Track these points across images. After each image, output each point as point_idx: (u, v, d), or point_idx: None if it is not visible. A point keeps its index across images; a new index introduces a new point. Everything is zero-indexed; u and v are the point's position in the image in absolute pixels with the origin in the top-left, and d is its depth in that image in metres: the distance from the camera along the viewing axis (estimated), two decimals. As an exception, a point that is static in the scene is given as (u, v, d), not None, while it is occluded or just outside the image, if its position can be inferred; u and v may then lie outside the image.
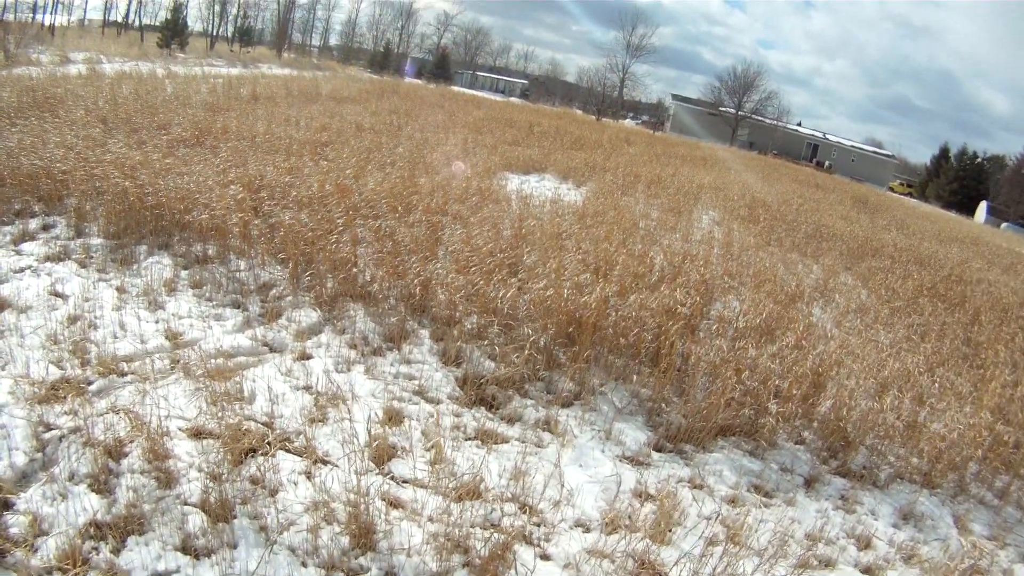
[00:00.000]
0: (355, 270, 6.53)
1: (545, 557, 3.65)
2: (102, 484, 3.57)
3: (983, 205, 62.71)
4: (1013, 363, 8.05)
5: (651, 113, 75.57)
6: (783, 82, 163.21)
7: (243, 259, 6.83)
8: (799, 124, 71.05)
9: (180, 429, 4.12)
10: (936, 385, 6.75)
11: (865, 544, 4.38)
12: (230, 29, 60.71)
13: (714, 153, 32.15)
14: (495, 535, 3.54)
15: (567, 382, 5.51)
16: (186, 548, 3.29)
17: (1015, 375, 7.55)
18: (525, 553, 3.59)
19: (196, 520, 3.42)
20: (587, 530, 3.93)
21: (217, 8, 59.28)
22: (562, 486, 4.18)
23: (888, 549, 4.37)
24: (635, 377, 5.72)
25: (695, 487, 4.55)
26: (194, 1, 56.77)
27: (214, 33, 58.86)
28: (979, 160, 70.03)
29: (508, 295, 6.14)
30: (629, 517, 4.02)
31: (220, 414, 4.17)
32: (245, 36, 58.92)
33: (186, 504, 3.53)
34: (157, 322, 5.46)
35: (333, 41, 78.08)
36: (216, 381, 4.54)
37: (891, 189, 61.60)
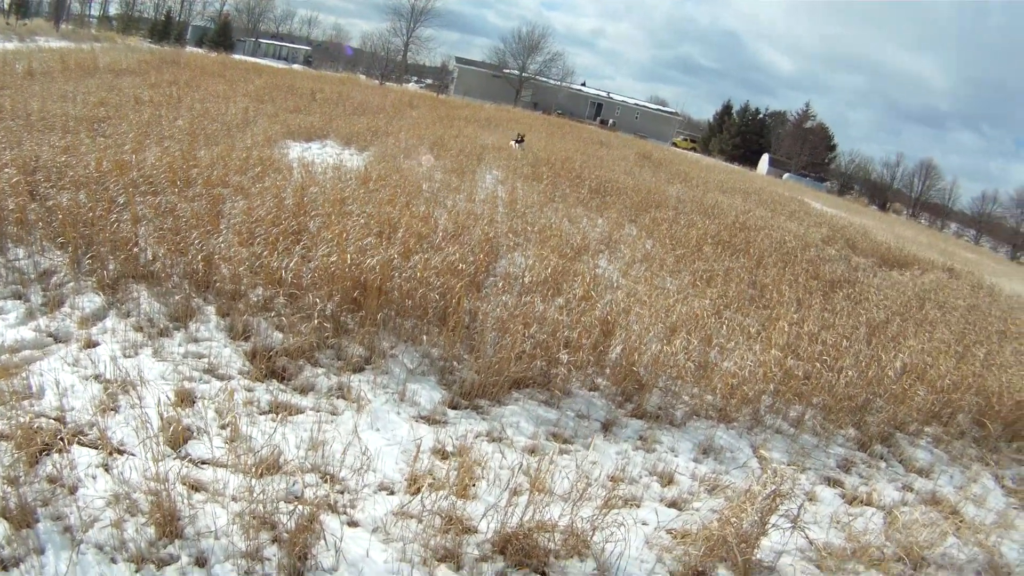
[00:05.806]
0: (136, 250, 6.28)
1: (353, 524, 3.75)
2: None
3: (765, 157, 68.43)
4: (798, 301, 8.96)
5: (435, 76, 75.13)
6: (567, 44, 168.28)
7: (21, 247, 6.35)
8: (583, 84, 73.66)
9: (-30, 435, 3.82)
10: (724, 326, 7.38)
11: (668, 480, 4.78)
12: (6, 1, 55.60)
13: (498, 114, 32.61)
14: (300, 507, 3.59)
15: (357, 347, 5.62)
16: (-7, 561, 3.12)
17: (800, 313, 8.42)
18: (332, 522, 3.67)
19: (-1, 529, 3.24)
20: (391, 493, 4.07)
21: (-9, -20, 53.46)
22: (362, 452, 4.29)
23: (691, 483, 4.80)
24: (424, 337, 5.91)
25: (494, 440, 4.81)
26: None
27: (-12, 6, 53.04)
28: (761, 116, 76.06)
29: (292, 264, 6.15)
30: (431, 476, 4.19)
31: (10, 414, 3.92)
32: (22, 8, 54.54)
33: (-15, 514, 3.32)
34: (-67, 321, 4.99)
35: (113, 10, 72.57)
36: (2, 379, 4.26)
37: (675, 144, 65.11)
